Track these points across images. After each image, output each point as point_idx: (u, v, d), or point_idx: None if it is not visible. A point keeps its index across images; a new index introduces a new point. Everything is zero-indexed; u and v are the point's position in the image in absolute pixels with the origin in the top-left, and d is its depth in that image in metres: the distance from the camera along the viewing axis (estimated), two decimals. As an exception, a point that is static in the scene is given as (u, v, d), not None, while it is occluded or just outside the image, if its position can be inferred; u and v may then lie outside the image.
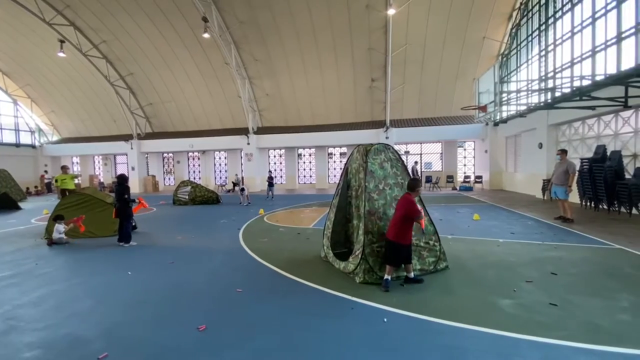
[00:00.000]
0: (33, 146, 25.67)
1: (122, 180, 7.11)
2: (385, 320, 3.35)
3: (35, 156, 25.56)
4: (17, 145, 24.56)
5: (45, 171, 24.79)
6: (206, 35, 16.56)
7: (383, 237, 4.51)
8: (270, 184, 15.91)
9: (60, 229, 7.34)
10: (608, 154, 9.57)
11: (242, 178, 16.85)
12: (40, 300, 4.16)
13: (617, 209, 9.23)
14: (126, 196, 7.00)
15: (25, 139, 25.47)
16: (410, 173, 18.68)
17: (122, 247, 6.86)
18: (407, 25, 16.85)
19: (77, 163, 27.41)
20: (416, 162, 20.35)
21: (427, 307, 3.64)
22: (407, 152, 22.05)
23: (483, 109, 11.42)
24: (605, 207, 9.59)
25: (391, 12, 15.15)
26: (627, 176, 9.14)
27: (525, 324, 3.21)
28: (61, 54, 18.93)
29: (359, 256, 4.43)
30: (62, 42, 18.69)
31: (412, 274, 4.33)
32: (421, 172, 20.65)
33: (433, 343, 2.94)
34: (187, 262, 5.70)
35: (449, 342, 2.95)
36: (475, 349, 2.82)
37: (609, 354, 2.73)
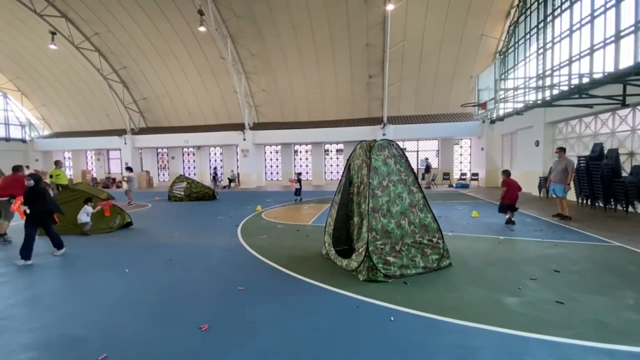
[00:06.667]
0: (23, 140, 25.17)
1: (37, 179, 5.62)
2: (392, 319, 3.30)
3: (25, 151, 25.05)
4: (7, 139, 24.03)
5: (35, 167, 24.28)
6: (202, 29, 16.28)
7: (387, 234, 4.45)
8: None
9: (88, 210, 7.44)
10: (605, 152, 9.63)
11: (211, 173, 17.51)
12: (34, 299, 4.03)
13: (613, 206, 9.30)
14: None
15: (15, 133, 24.94)
16: (424, 168, 18.25)
17: (110, 245, 6.72)
18: (405, 22, 16.76)
19: (69, 158, 26.92)
20: (427, 158, 20.37)
21: (433, 305, 3.59)
22: (403, 149, 22.02)
23: (483, 106, 11.40)
24: (601, 204, 9.66)
25: (390, 7, 15.03)
26: (624, 174, 9.21)
27: (533, 322, 3.18)
28: (52, 46, 18.48)
29: (363, 254, 4.36)
30: (53, 34, 18.24)
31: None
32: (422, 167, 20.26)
33: (443, 342, 2.89)
34: (185, 260, 5.58)
35: (458, 341, 2.90)
36: (485, 348, 2.77)
37: (618, 352, 2.71)
